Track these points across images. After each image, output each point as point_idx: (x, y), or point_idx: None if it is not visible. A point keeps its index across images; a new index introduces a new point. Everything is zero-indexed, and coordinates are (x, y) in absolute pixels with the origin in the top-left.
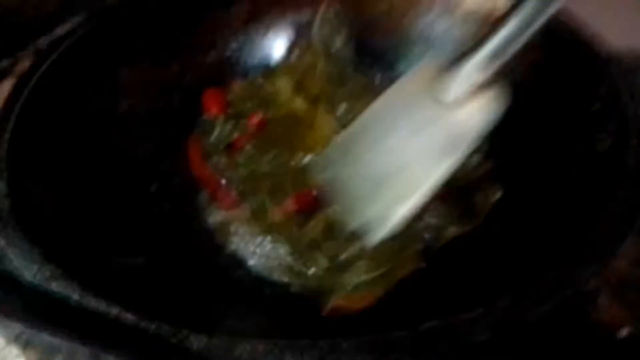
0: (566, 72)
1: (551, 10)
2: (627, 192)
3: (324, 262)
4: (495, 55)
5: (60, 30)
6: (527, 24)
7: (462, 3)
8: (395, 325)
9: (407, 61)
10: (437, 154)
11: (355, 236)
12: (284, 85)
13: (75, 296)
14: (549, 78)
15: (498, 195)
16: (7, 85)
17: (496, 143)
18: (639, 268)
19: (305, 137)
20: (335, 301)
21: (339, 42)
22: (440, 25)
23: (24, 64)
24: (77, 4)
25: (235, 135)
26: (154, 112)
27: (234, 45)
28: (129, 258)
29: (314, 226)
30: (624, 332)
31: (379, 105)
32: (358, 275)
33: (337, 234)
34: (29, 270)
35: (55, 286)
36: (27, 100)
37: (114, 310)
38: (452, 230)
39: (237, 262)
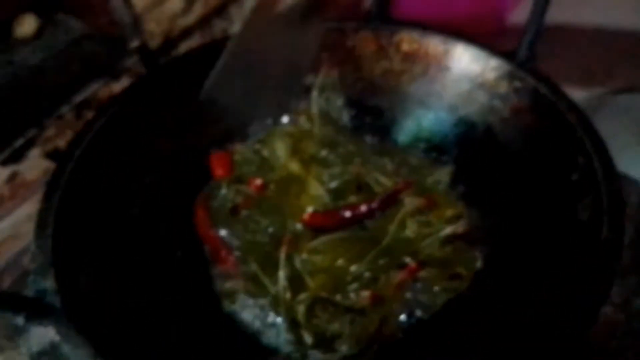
0: (549, 139)
1: None
2: (599, 268)
3: (309, 339)
4: None
5: (81, 97)
6: None
7: (455, 66)
8: None
9: (404, 121)
10: None
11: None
12: (280, 149)
13: None
14: (534, 145)
15: (479, 263)
16: (35, 152)
17: (483, 207)
18: (623, 313)
19: (299, 198)
20: None
21: (336, 107)
22: (434, 86)
23: (50, 131)
24: (97, 68)
25: (239, 199)
26: (173, 182)
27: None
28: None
29: (298, 304)
30: None
31: None
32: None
33: (321, 311)
34: None
35: None
36: (66, 194)
37: None
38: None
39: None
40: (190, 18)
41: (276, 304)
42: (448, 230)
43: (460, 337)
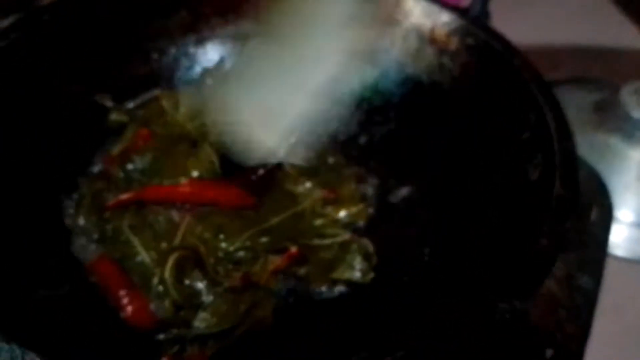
0: (500, 98)
1: None
2: (550, 227)
3: (169, 306)
4: None
5: None
6: None
7: (404, 20)
8: None
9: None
10: None
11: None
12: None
13: None
14: (484, 105)
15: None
16: None
17: (430, 167)
18: (566, 289)
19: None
20: (164, 357)
21: None
22: (382, 41)
23: None
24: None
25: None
26: (79, 124)
27: (169, 56)
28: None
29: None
30: (549, 352)
31: None
32: (197, 328)
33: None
34: None
35: None
36: None
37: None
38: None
39: None
40: None
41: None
42: (342, 236)
43: (344, 327)
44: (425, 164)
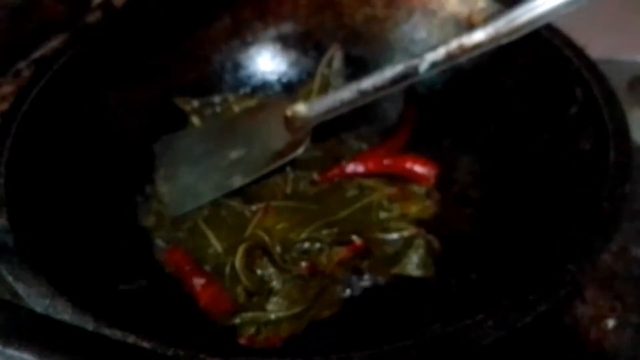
0: (544, 76)
1: None
2: (610, 192)
3: (242, 292)
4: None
5: (39, 53)
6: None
7: (440, 9)
8: None
9: None
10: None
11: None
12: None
13: (89, 326)
14: (530, 82)
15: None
16: None
17: (485, 145)
18: (621, 260)
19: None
20: (241, 340)
21: (339, 83)
22: (419, 32)
23: (6, 89)
24: (56, 25)
25: None
26: (143, 132)
27: (217, 61)
28: (132, 283)
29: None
30: (610, 323)
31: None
32: (271, 312)
33: (257, 264)
34: (40, 305)
35: (69, 318)
36: (17, 134)
37: (130, 339)
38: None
39: None
40: None
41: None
42: (408, 231)
43: (406, 316)
44: (479, 148)
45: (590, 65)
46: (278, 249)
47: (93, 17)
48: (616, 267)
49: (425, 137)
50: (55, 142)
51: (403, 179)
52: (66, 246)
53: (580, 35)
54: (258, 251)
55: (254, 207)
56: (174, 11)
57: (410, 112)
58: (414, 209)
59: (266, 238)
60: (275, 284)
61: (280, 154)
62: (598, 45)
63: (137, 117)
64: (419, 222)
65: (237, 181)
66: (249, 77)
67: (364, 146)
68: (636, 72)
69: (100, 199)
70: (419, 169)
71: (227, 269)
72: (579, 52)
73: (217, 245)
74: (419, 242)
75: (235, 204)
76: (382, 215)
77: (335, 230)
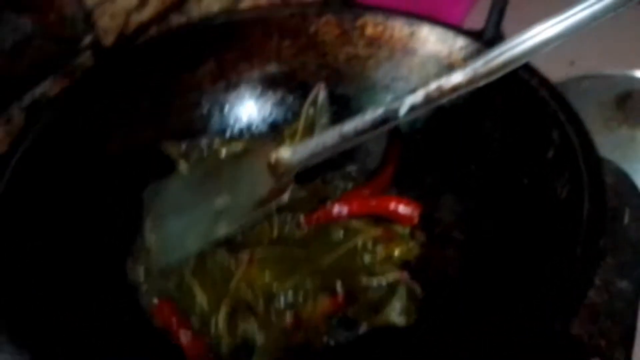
0: (521, 117)
1: None
2: (583, 250)
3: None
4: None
5: (29, 97)
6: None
7: (421, 48)
8: None
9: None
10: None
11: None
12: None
13: None
14: (508, 123)
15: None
16: None
17: (466, 184)
18: (605, 294)
19: None
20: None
21: (324, 121)
22: (401, 70)
23: (1, 133)
24: (47, 66)
25: None
26: (133, 180)
27: (204, 104)
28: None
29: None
30: None
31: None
32: None
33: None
34: None
35: None
36: (8, 191)
37: None
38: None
39: None
40: (146, 13)
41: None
42: (392, 276)
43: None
44: (461, 187)
45: (567, 107)
46: (261, 303)
47: (84, 58)
48: (600, 303)
49: (408, 175)
50: (42, 193)
51: (388, 219)
52: (51, 300)
53: (569, 51)
54: (241, 306)
55: (239, 256)
56: (159, 57)
57: (394, 151)
58: (398, 251)
59: (250, 294)
60: (259, 338)
61: (265, 201)
62: (587, 61)
63: (127, 164)
64: (403, 265)
65: (223, 230)
66: (236, 118)
67: (350, 185)
68: (625, 87)
69: (89, 250)
70: (402, 209)
71: (212, 324)
72: (555, 93)
73: (202, 299)
74: (402, 288)
75: (221, 253)
76: (367, 258)
77: (319, 278)
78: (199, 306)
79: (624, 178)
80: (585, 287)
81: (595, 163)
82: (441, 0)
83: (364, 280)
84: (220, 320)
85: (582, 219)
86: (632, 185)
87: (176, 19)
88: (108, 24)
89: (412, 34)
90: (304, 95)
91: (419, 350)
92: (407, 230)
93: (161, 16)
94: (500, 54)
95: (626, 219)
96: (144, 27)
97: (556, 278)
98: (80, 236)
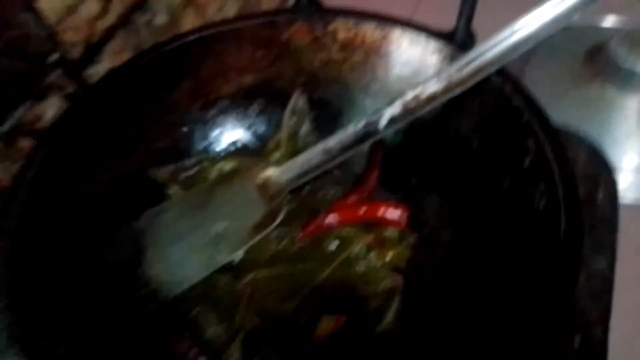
0: (498, 124)
1: None
2: (562, 266)
3: None
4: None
5: (8, 126)
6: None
7: (395, 50)
8: None
9: (350, 111)
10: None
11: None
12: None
13: None
14: (485, 129)
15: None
16: None
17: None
18: (582, 275)
19: None
20: None
21: (305, 128)
22: (377, 72)
23: None
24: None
25: None
26: (125, 208)
27: (186, 123)
28: None
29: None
30: (577, 340)
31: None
32: None
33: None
34: None
35: None
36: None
37: None
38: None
39: None
40: (110, 18)
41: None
42: (386, 283)
43: None
44: (445, 188)
45: (542, 117)
46: (270, 328)
47: (54, 76)
48: (579, 282)
49: (393, 178)
50: (47, 226)
51: (377, 224)
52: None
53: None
54: (252, 333)
55: (243, 281)
56: (137, 82)
57: (377, 155)
58: (389, 256)
59: (258, 320)
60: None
61: (260, 226)
62: None
63: (117, 193)
64: (395, 269)
65: (224, 257)
66: (219, 133)
67: (339, 190)
68: (595, 39)
69: (92, 286)
70: (390, 214)
71: (228, 353)
72: (530, 101)
73: (214, 330)
74: (397, 294)
75: (225, 279)
76: (362, 266)
77: (320, 295)
78: (213, 336)
79: (597, 154)
80: (570, 293)
81: (571, 177)
82: None
83: (362, 289)
84: (235, 350)
85: (560, 234)
86: (605, 161)
87: (140, 18)
88: (73, 37)
89: (384, 37)
90: (283, 103)
91: (413, 353)
92: (396, 234)
93: (125, 18)
94: (472, 59)
95: (600, 196)
96: (109, 32)
97: (539, 282)
98: (82, 271)
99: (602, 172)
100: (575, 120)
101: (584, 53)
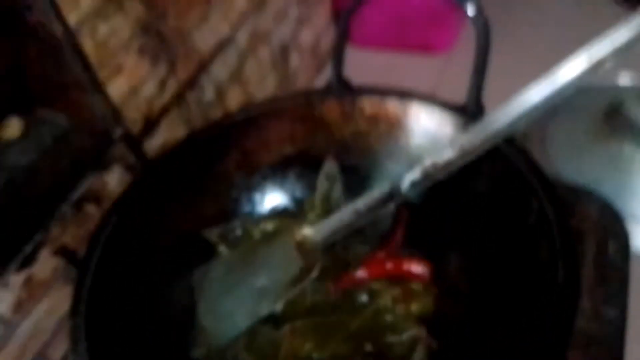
0: (505, 185)
1: None
2: (557, 323)
3: None
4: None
5: (76, 193)
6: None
7: (414, 123)
8: None
9: (377, 176)
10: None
11: None
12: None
13: None
14: (494, 190)
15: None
16: (44, 253)
17: (468, 243)
18: (595, 323)
19: None
20: None
21: (337, 191)
22: (400, 141)
23: (55, 229)
24: (85, 160)
25: None
26: (182, 266)
27: (233, 190)
28: None
29: None
30: None
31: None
32: None
33: None
34: None
35: None
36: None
37: None
38: None
39: None
40: (166, 96)
41: None
42: (411, 333)
43: None
44: (463, 245)
45: (543, 178)
46: None
47: (117, 149)
48: (591, 331)
49: (417, 236)
50: (115, 289)
51: (403, 278)
52: None
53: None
54: None
55: (283, 331)
56: (192, 156)
57: (402, 215)
58: (415, 308)
59: None
60: None
61: (297, 280)
62: None
63: (175, 252)
64: (420, 319)
65: (266, 309)
66: (261, 197)
67: (367, 248)
68: (613, 98)
69: (154, 334)
70: (415, 269)
71: None
72: (532, 165)
73: None
74: (421, 343)
75: (266, 329)
76: (389, 317)
77: (352, 342)
78: None
79: (608, 208)
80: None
81: (568, 232)
82: (428, 32)
83: (389, 338)
84: None
85: (558, 286)
86: (616, 214)
87: (191, 95)
88: (134, 115)
89: (404, 111)
90: (317, 170)
91: None
92: (420, 287)
93: (178, 97)
94: (481, 130)
95: (611, 249)
96: (164, 109)
97: (540, 332)
98: (147, 321)
99: (613, 224)
100: (594, 176)
101: (602, 112)
